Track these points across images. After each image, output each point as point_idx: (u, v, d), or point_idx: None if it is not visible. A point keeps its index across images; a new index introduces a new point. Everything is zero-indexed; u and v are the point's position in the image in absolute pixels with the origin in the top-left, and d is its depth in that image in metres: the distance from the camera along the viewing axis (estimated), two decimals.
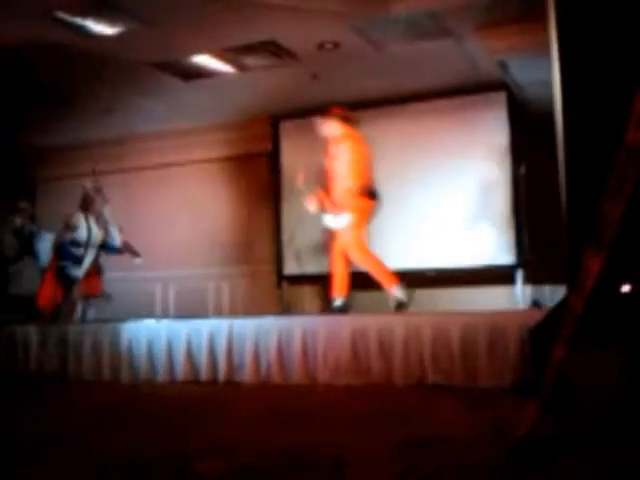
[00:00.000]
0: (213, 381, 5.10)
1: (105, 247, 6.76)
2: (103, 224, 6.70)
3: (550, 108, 3.67)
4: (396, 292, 5.50)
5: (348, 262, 5.65)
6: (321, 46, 6.03)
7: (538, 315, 3.83)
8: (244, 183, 8.38)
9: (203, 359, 5.18)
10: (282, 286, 7.96)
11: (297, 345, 4.86)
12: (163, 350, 5.35)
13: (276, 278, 7.99)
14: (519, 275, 6.83)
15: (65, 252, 6.51)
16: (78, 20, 5.30)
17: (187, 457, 2.58)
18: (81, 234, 6.54)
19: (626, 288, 2.73)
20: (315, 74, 6.64)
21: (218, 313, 7.98)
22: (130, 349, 5.48)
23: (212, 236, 8.34)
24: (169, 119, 7.96)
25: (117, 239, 6.78)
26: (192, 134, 8.30)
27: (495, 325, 4.35)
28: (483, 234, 6.94)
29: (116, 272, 7.36)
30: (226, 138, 8.25)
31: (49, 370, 5.76)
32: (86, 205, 6.67)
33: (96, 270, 6.80)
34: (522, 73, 6.31)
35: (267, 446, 2.74)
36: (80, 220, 6.57)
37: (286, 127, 7.98)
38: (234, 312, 7.80)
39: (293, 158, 7.86)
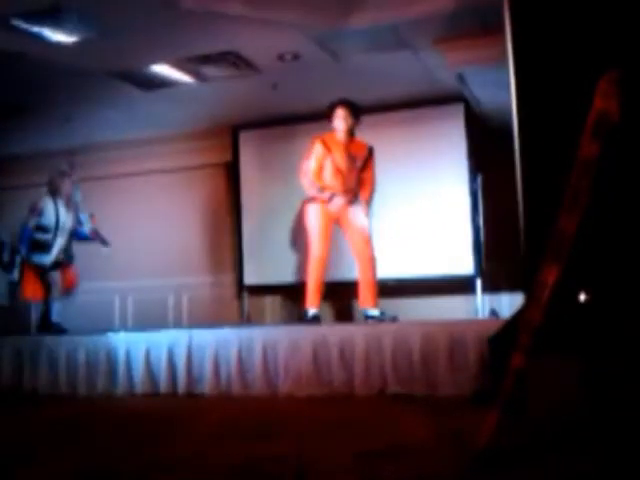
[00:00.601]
0: (173, 394, 5.05)
1: (74, 234, 6.53)
2: (73, 209, 6.48)
3: (507, 120, 3.73)
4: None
5: (324, 272, 5.67)
6: (281, 57, 6.04)
7: (496, 324, 3.88)
8: (204, 193, 8.33)
9: (162, 371, 5.13)
10: (242, 296, 7.93)
11: (258, 356, 4.85)
12: (122, 362, 5.28)
13: (236, 288, 7.96)
14: (478, 284, 6.91)
15: (25, 238, 6.23)
16: (35, 28, 5.22)
17: (144, 472, 2.54)
18: (48, 219, 6.30)
19: (583, 297, 2.78)
20: (275, 84, 6.64)
21: (178, 324, 7.91)
22: (88, 361, 5.40)
23: (172, 246, 8.27)
24: (128, 129, 7.88)
25: (87, 226, 6.54)
26: (152, 144, 8.23)
27: (455, 334, 4.39)
28: (442, 244, 7.00)
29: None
30: (186, 148, 8.20)
31: (4, 383, 5.65)
32: (54, 189, 6.43)
33: (67, 260, 6.53)
34: (479, 85, 6.40)
35: (226, 459, 2.72)
36: (47, 204, 6.34)
37: (246, 137, 7.97)
38: (194, 323, 7.74)
39: (253, 168, 7.86)
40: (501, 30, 3.66)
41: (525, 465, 2.34)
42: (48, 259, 6.34)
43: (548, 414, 2.74)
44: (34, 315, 7.73)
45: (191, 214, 8.37)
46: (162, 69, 6.28)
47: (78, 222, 6.50)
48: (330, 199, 5.64)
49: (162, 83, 6.59)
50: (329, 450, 2.80)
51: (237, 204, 7.94)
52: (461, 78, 6.35)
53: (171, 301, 8.21)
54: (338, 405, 4.23)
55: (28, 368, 5.61)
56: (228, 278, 8.06)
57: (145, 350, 5.22)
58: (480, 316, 6.61)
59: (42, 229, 6.31)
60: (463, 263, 6.95)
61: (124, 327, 7.80)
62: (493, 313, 6.33)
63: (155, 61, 6.11)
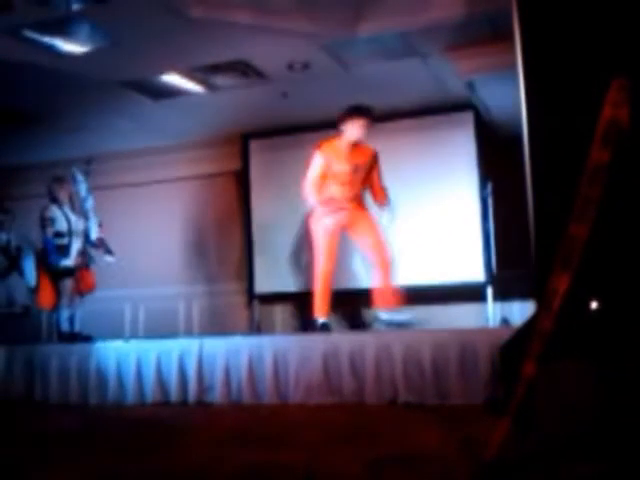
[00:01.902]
0: (183, 402, 5.05)
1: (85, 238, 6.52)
2: (83, 214, 6.49)
3: (517, 127, 3.72)
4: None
5: (331, 283, 5.64)
6: (290, 66, 6.06)
7: (508, 333, 3.86)
8: (214, 201, 8.35)
9: (173, 380, 5.13)
10: (253, 305, 7.93)
11: (268, 365, 4.84)
12: (132, 371, 5.29)
13: (247, 297, 7.96)
14: (489, 292, 6.88)
15: (50, 247, 6.29)
16: (46, 39, 5.27)
17: None
18: (60, 224, 6.33)
19: (594, 305, 2.77)
20: (285, 93, 6.67)
21: (188, 332, 7.92)
22: (98, 370, 5.41)
23: (182, 255, 8.30)
24: (138, 138, 7.92)
25: (94, 232, 6.52)
26: (162, 152, 8.26)
27: (466, 343, 4.37)
28: (453, 252, 6.98)
29: None
30: (196, 156, 8.23)
31: (15, 392, 5.67)
32: (53, 196, 6.44)
33: (85, 262, 6.50)
34: (489, 93, 6.39)
35: (234, 468, 2.71)
36: (54, 212, 6.36)
37: (256, 146, 7.99)
38: (204, 331, 7.74)
39: (263, 176, 7.87)
40: (511, 38, 3.67)
41: (536, 475, 2.32)
42: (69, 262, 6.34)
43: (560, 422, 2.72)
44: (45, 322, 7.78)
45: (201, 222, 8.39)
46: (172, 79, 6.31)
47: (87, 228, 6.51)
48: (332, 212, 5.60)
49: (172, 92, 6.63)
50: (339, 459, 2.79)
51: (247, 212, 7.95)
52: (471, 86, 6.35)
53: (181, 309, 8.22)
54: (348, 414, 4.21)
55: (39, 377, 5.63)
56: (238, 286, 8.06)
57: (156, 358, 5.22)
58: (491, 324, 6.58)
59: (59, 235, 6.32)
60: (474, 271, 6.93)
61: (135, 335, 7.80)
62: (504, 321, 6.30)
63: (165, 71, 6.14)
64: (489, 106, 6.78)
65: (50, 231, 6.31)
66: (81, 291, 6.49)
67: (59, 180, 6.54)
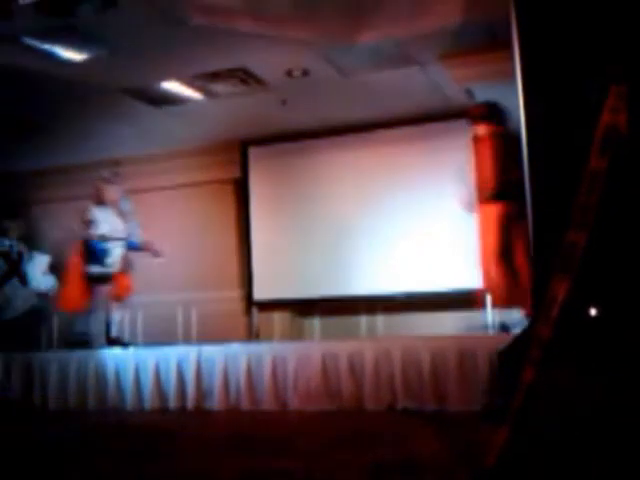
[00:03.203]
0: (182, 408, 5.05)
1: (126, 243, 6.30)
2: (123, 217, 6.28)
3: (516, 134, 3.73)
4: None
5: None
6: (289, 73, 6.08)
7: (506, 339, 3.86)
8: (213, 208, 8.35)
9: (172, 386, 5.14)
10: (251, 312, 7.92)
11: (267, 371, 4.84)
12: (131, 378, 5.29)
13: (245, 304, 7.96)
14: (488, 299, 6.88)
15: (91, 249, 6.05)
16: (46, 46, 5.28)
17: None
18: (101, 228, 6.10)
19: (593, 312, 2.78)
20: (284, 100, 6.68)
21: (187, 339, 7.91)
22: (97, 377, 5.41)
23: (181, 261, 8.28)
24: (138, 145, 7.93)
25: (137, 235, 6.31)
26: (161, 160, 8.27)
27: (465, 349, 4.38)
28: (451, 259, 6.98)
29: None
30: (195, 164, 8.23)
31: (13, 398, 5.66)
32: (100, 197, 6.23)
33: (126, 267, 6.29)
34: (488, 100, 6.40)
35: (236, 474, 2.71)
36: (96, 214, 6.13)
37: (255, 153, 8.00)
38: (203, 338, 7.74)
39: (261, 183, 7.88)
40: (509, 45, 3.68)
41: None
42: (108, 268, 6.13)
43: (559, 428, 2.72)
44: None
45: (200, 229, 8.39)
46: (172, 86, 6.32)
47: (130, 232, 6.28)
48: None
49: (172, 100, 6.64)
50: (338, 465, 2.79)
51: (246, 219, 7.96)
52: (469, 93, 6.37)
53: (180, 316, 8.21)
54: (347, 420, 4.22)
55: (38, 383, 5.63)
56: (237, 293, 8.06)
57: (154, 365, 5.22)
58: (490, 331, 6.58)
59: (101, 238, 6.12)
60: (472, 277, 6.92)
61: (134, 342, 7.80)
62: (504, 328, 6.30)
63: (165, 78, 6.16)
64: None
65: (91, 234, 6.07)
66: (118, 296, 6.27)
67: (106, 181, 6.33)
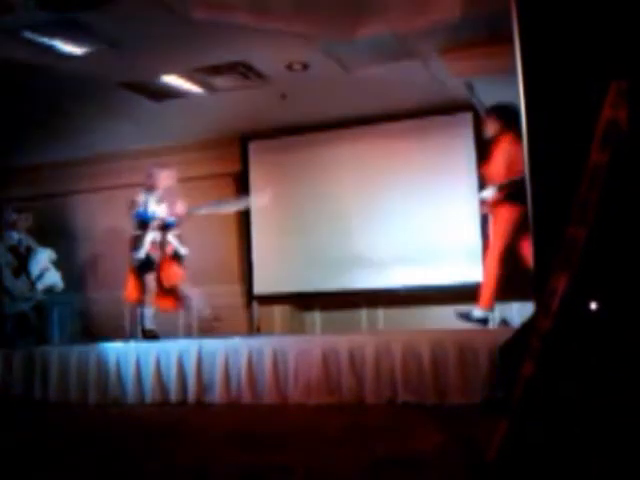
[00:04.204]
0: (183, 402, 5.06)
1: (166, 225, 6.26)
2: (165, 200, 6.28)
3: None
4: (477, 312, 5.37)
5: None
6: (290, 67, 6.07)
7: (507, 333, 3.87)
8: None
9: (172, 380, 5.15)
10: (252, 306, 7.93)
11: (268, 365, 4.85)
12: (132, 371, 5.30)
13: (246, 298, 7.96)
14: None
15: (149, 218, 6.07)
16: (46, 40, 5.27)
17: None
18: (139, 214, 6.12)
19: (593, 306, 2.78)
20: (284, 94, 6.67)
21: (187, 333, 7.92)
22: (98, 370, 5.42)
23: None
24: (139, 139, 7.92)
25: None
26: (161, 154, 8.25)
27: (465, 343, 4.39)
28: (451, 253, 6.99)
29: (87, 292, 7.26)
30: (195, 158, 8.21)
31: (14, 392, 5.68)
32: (151, 183, 6.26)
33: (166, 254, 6.19)
34: (488, 94, 6.39)
35: (236, 469, 2.72)
36: (140, 199, 6.17)
37: (255, 147, 8.00)
38: (203, 332, 7.74)
39: (262, 178, 7.88)
40: (509, 40, 3.68)
41: (536, 475, 2.33)
42: (140, 255, 6.06)
43: (559, 422, 2.73)
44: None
45: (200, 224, 8.38)
46: (172, 80, 6.32)
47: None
48: None
49: (172, 94, 6.63)
50: (338, 459, 2.80)
51: (246, 213, 7.96)
52: (469, 87, 6.36)
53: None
54: (348, 414, 4.23)
55: (39, 377, 5.64)
56: (238, 287, 8.06)
57: (155, 359, 5.23)
58: (490, 325, 6.59)
59: (137, 225, 6.12)
60: (473, 271, 6.94)
61: (135, 336, 7.81)
62: (504, 322, 6.31)
63: (165, 72, 6.15)
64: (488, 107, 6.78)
65: (141, 208, 6.11)
66: (163, 285, 6.14)
67: (161, 167, 6.37)
